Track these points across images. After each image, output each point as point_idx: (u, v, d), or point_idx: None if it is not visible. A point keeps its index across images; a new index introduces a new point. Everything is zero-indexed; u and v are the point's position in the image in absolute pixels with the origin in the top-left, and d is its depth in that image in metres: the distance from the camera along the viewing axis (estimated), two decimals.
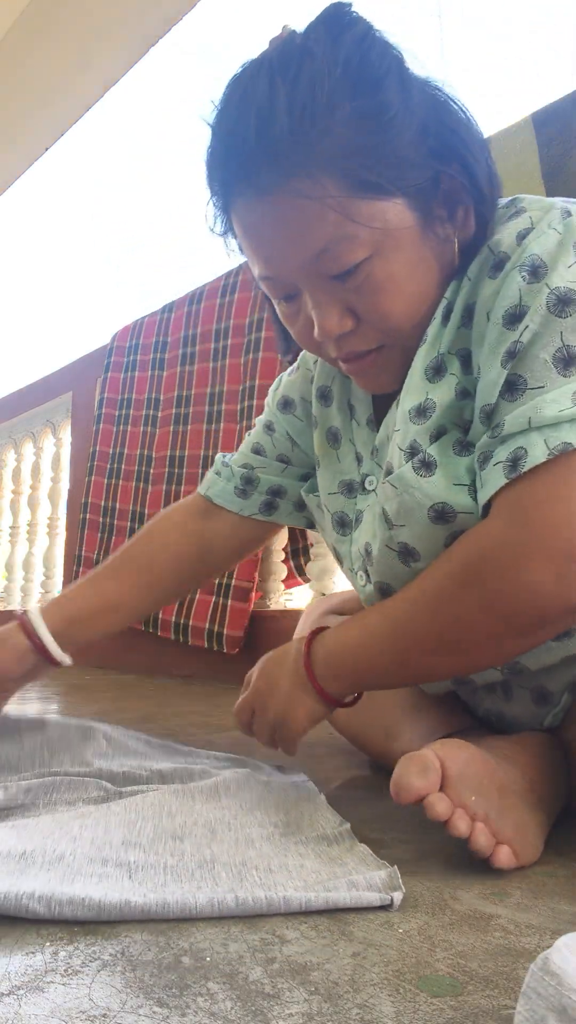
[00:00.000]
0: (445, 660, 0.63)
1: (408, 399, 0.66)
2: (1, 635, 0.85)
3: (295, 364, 0.88)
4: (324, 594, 2.00)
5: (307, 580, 2.24)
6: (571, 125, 1.50)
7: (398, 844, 0.64)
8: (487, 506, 0.59)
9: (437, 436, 0.63)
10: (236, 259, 0.70)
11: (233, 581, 2.06)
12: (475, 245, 0.63)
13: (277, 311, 0.69)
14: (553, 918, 0.49)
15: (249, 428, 2.09)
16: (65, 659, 0.85)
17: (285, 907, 0.48)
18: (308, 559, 2.17)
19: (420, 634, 0.62)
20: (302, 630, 1.00)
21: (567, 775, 0.68)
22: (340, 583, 2.04)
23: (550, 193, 1.51)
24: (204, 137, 0.62)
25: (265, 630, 2.05)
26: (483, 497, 0.59)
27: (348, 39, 0.58)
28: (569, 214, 0.59)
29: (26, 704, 1.67)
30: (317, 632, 0.71)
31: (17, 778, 0.77)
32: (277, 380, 0.90)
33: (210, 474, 0.93)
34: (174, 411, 2.47)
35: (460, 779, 0.56)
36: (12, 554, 3.54)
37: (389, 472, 0.67)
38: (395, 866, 0.54)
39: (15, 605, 3.48)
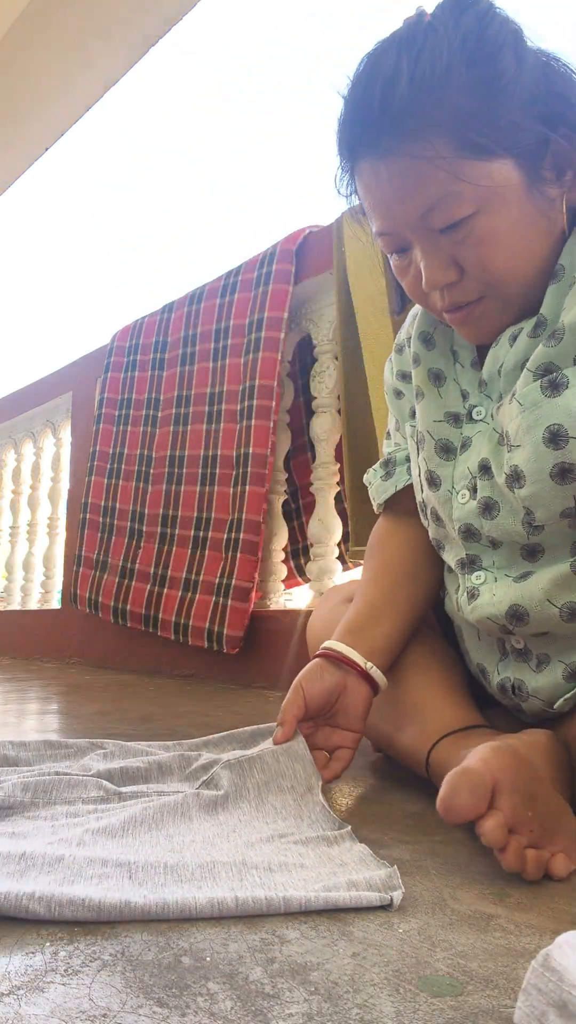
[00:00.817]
0: None
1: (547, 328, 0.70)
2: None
3: (392, 355, 0.93)
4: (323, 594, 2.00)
5: (307, 580, 2.24)
6: None
7: (398, 844, 0.64)
8: None
9: None
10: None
11: (233, 581, 2.06)
12: None
13: (392, 266, 0.74)
14: (553, 918, 0.49)
15: (249, 427, 2.11)
16: (352, 654, 0.80)
17: (285, 907, 0.48)
18: (308, 559, 2.17)
19: None
20: (319, 623, 1.00)
21: (571, 772, 0.69)
22: (339, 583, 2.04)
23: None
24: (334, 104, 0.68)
25: (265, 630, 2.05)
26: None
27: (470, 15, 0.64)
28: None
29: (26, 704, 1.67)
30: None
31: (16, 775, 0.77)
32: (388, 365, 0.94)
33: (368, 486, 0.97)
34: (174, 411, 2.47)
35: (515, 791, 0.55)
36: (12, 554, 3.54)
37: (514, 395, 0.70)
38: (395, 866, 0.54)
39: (15, 605, 3.49)
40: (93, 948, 0.43)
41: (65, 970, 0.41)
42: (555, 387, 0.66)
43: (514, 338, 0.72)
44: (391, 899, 0.49)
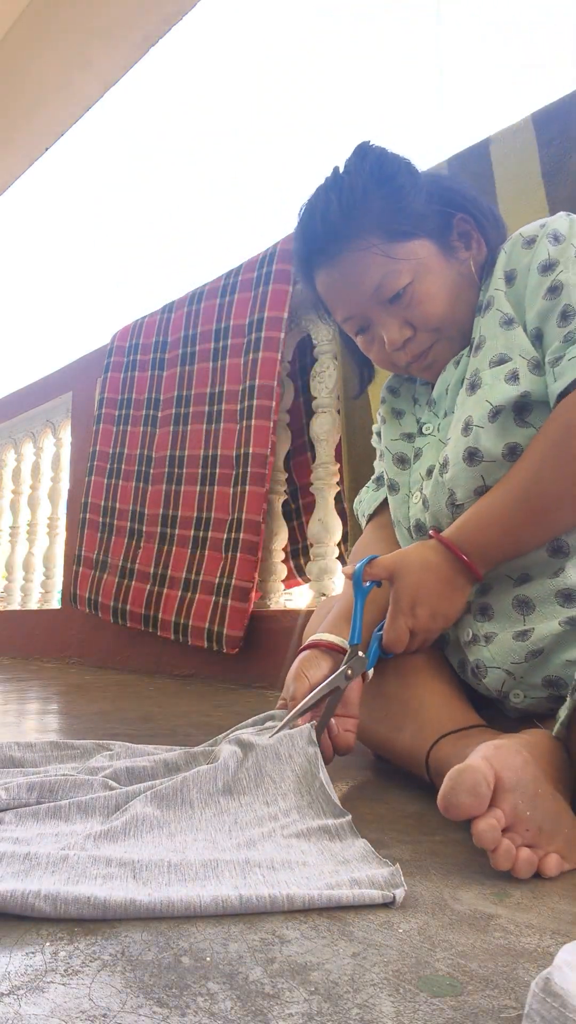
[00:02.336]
0: (568, 509, 0.77)
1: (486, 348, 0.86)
2: None
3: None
4: (324, 595, 2.00)
5: (307, 580, 2.24)
6: (571, 125, 1.50)
7: (398, 844, 0.64)
8: (562, 394, 0.76)
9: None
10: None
11: (233, 581, 2.06)
12: (487, 262, 0.89)
13: (358, 345, 0.94)
14: (553, 918, 0.49)
15: (249, 427, 2.11)
16: (343, 642, 0.86)
17: (289, 905, 0.48)
18: (308, 559, 2.17)
19: (545, 485, 0.76)
20: (315, 627, 1.02)
21: (570, 772, 0.69)
22: (339, 583, 2.04)
23: (550, 193, 1.50)
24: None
25: (265, 630, 2.05)
26: (561, 385, 0.76)
27: (371, 158, 0.88)
28: (571, 214, 0.85)
29: (26, 704, 1.67)
30: (439, 540, 0.81)
31: (22, 775, 0.77)
32: (375, 426, 1.10)
33: (357, 509, 1.12)
34: (174, 411, 2.47)
35: (516, 790, 0.56)
36: (12, 554, 3.54)
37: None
38: (397, 864, 0.54)
39: (15, 605, 3.49)
40: (93, 948, 0.43)
41: (65, 970, 0.41)
42: (473, 387, 0.82)
43: (457, 362, 0.89)
44: (394, 897, 0.50)
